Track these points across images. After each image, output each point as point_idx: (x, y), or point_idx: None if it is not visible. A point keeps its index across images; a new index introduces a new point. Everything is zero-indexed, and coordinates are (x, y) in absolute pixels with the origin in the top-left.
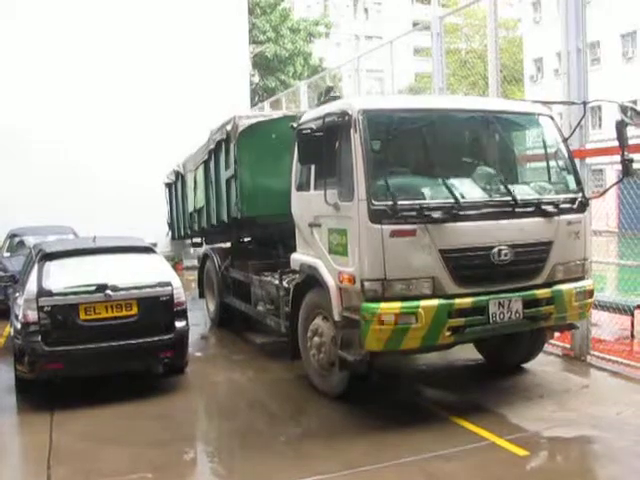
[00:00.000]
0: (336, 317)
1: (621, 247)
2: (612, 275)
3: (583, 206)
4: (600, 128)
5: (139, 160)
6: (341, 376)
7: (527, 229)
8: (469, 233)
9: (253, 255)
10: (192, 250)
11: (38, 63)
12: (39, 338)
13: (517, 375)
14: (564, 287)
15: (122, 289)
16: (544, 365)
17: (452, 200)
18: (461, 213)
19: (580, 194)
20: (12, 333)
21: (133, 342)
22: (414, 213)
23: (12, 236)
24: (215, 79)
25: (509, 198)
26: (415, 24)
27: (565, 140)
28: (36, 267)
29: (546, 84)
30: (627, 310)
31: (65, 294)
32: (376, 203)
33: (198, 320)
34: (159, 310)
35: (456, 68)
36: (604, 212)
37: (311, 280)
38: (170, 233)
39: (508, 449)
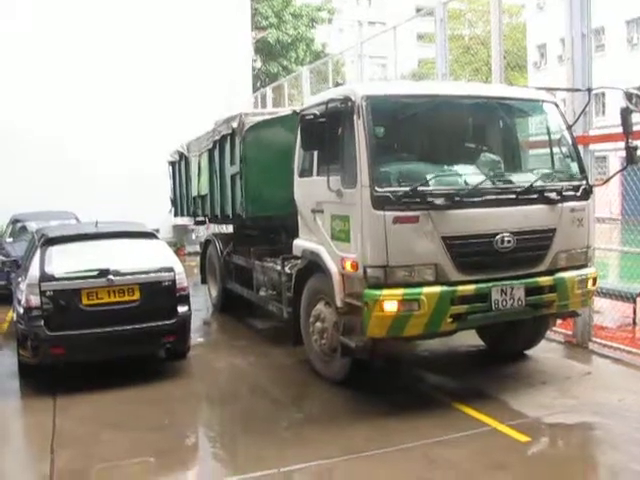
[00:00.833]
0: (338, 303)
1: (624, 234)
2: (614, 262)
3: (587, 193)
4: (604, 115)
5: (140, 147)
6: (343, 362)
7: (530, 216)
8: (472, 220)
9: (255, 241)
10: (194, 236)
11: (37, 50)
12: (42, 323)
13: (519, 362)
14: (566, 275)
15: (124, 274)
16: (546, 352)
17: (455, 187)
18: (464, 200)
19: (584, 181)
20: (15, 318)
21: (135, 327)
22: (417, 200)
23: (14, 222)
24: (217, 64)
25: (512, 185)
26: (418, 10)
27: (569, 127)
28: (39, 252)
29: (550, 70)
30: (629, 297)
31: (67, 279)
32: (379, 190)
33: (200, 305)
34: (161, 295)
35: (459, 54)
36: (607, 199)
37: (313, 266)
38: (173, 210)
39: (510, 435)
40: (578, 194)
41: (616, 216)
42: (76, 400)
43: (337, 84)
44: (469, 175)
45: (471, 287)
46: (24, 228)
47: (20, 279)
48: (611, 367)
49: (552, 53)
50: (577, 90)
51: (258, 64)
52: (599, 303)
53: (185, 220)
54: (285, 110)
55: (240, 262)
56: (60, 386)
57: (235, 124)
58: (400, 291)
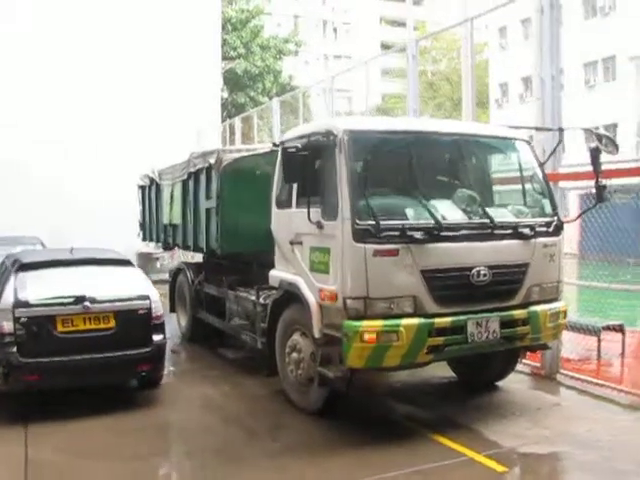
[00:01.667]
0: (316, 334)
1: (581, 269)
2: (572, 296)
3: (558, 229)
4: (564, 152)
5: (105, 173)
6: (320, 392)
7: (505, 251)
8: (450, 254)
9: (226, 271)
10: (158, 264)
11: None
12: (15, 349)
13: (490, 393)
14: (539, 308)
15: (100, 301)
16: (515, 383)
17: (434, 221)
18: (442, 234)
19: (555, 217)
20: None
21: (110, 355)
22: (397, 233)
23: None
24: (188, 93)
25: (488, 220)
26: (384, 45)
27: (541, 165)
28: (12, 277)
29: (511, 108)
30: (594, 331)
31: (42, 305)
32: (360, 222)
33: (168, 334)
34: (137, 323)
35: (422, 90)
36: (568, 235)
37: (289, 296)
38: (142, 234)
39: (486, 465)
40: (550, 230)
41: (575, 251)
42: (48, 429)
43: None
44: (447, 210)
45: (448, 319)
46: None
47: None
48: (578, 398)
49: (513, 91)
50: (549, 129)
51: (225, 94)
52: (564, 336)
53: (150, 248)
54: (263, 147)
55: (212, 291)
56: (31, 415)
57: (212, 160)
58: (380, 322)
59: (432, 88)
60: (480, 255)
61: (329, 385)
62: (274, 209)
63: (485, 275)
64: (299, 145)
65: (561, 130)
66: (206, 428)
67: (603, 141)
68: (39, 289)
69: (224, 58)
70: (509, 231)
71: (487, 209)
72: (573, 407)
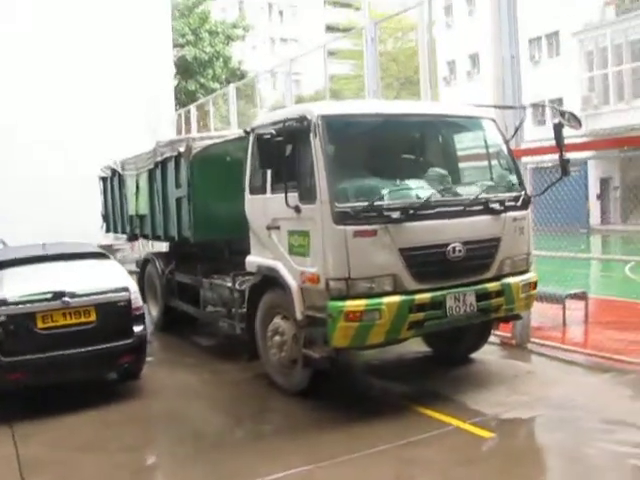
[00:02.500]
0: (298, 316)
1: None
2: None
3: (526, 203)
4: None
5: (62, 164)
6: (303, 373)
7: (477, 226)
8: (426, 232)
9: (198, 259)
10: (119, 256)
11: None
12: None
13: (466, 365)
14: (512, 280)
15: (80, 295)
16: (487, 354)
17: (409, 201)
18: (418, 213)
19: (523, 192)
20: None
21: (93, 349)
22: (375, 214)
23: None
24: (141, 82)
25: (460, 197)
26: (329, 27)
27: (507, 141)
28: None
29: (459, 86)
30: (559, 299)
31: (21, 303)
32: (339, 205)
33: None
34: (118, 315)
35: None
36: None
37: (268, 281)
38: (105, 226)
39: (473, 432)
40: (519, 204)
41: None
42: (35, 427)
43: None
44: (421, 189)
45: (427, 295)
46: None
47: None
48: (550, 364)
49: (461, 69)
50: (513, 107)
51: (175, 81)
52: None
53: (110, 240)
54: (232, 133)
55: (185, 280)
56: (14, 414)
57: (182, 148)
58: (363, 302)
59: (381, 68)
60: (454, 231)
61: (314, 366)
62: (247, 195)
63: (460, 251)
64: (274, 131)
65: (524, 108)
66: (192, 416)
67: (566, 116)
68: (16, 287)
69: (173, 45)
70: (480, 207)
71: (459, 186)
72: (546, 373)
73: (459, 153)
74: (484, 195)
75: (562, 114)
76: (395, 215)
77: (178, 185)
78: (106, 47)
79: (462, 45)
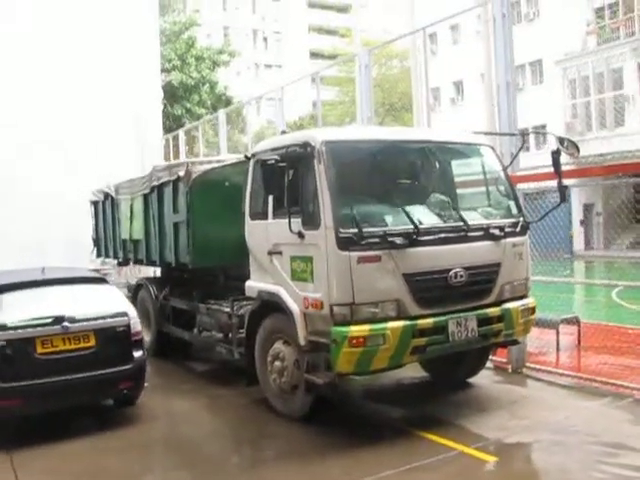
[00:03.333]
0: (301, 341)
1: None
2: None
3: (524, 229)
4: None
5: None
6: (305, 399)
7: (479, 252)
8: (429, 257)
9: (193, 284)
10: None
11: None
12: None
13: (464, 389)
14: (511, 305)
15: (79, 320)
16: (483, 379)
17: (412, 226)
18: (421, 239)
19: (521, 218)
20: None
21: (92, 374)
22: (378, 240)
23: None
24: (129, 106)
25: (462, 223)
26: (312, 53)
27: (505, 168)
28: None
29: (444, 113)
30: (552, 324)
31: (20, 327)
32: (343, 231)
33: None
34: (117, 341)
35: (355, 96)
36: None
37: (268, 306)
38: (95, 250)
39: (477, 456)
40: (517, 230)
41: None
42: (33, 454)
43: (283, 132)
44: (424, 215)
45: (430, 320)
46: None
47: None
48: (548, 389)
49: (445, 95)
50: (512, 134)
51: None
52: None
53: (97, 264)
54: (231, 157)
55: (180, 305)
56: (11, 441)
57: (181, 172)
58: (367, 327)
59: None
60: (456, 257)
61: (317, 391)
62: (248, 220)
63: (462, 276)
64: (277, 157)
65: (523, 134)
66: (191, 442)
67: (565, 144)
68: (16, 311)
69: (160, 71)
70: (481, 233)
71: (460, 212)
72: (544, 398)
73: (460, 179)
74: (485, 221)
75: (561, 141)
76: (399, 241)
77: (176, 210)
78: (96, 67)
79: (446, 72)
